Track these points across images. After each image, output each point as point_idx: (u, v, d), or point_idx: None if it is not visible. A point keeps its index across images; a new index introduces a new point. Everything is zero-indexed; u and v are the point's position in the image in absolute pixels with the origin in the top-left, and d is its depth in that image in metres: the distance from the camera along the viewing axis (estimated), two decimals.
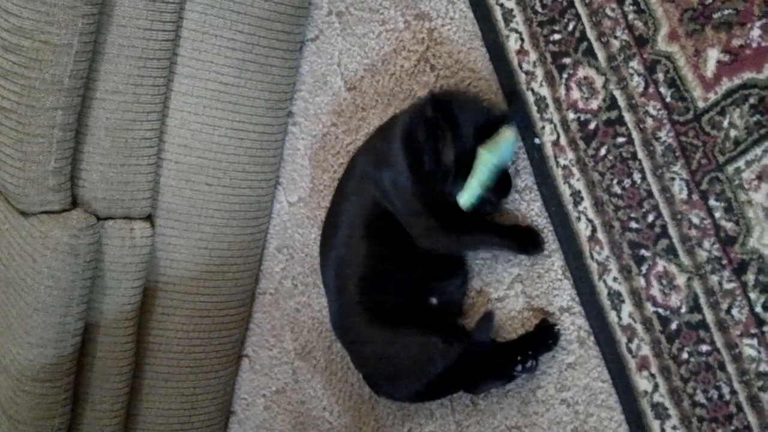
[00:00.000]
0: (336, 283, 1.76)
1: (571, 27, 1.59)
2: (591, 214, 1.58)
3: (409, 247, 1.65)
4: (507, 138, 1.59)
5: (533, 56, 1.65)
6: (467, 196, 1.57)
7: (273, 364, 2.16)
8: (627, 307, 1.54)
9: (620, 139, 1.53)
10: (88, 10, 1.66)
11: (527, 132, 1.66)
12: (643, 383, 1.53)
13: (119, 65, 1.76)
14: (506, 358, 1.63)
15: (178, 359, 2.06)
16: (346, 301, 1.73)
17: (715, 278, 1.44)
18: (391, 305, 1.67)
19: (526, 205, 1.66)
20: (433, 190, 1.60)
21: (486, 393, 1.72)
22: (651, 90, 1.49)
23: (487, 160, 1.56)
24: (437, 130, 1.57)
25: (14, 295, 1.84)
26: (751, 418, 1.42)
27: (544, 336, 1.62)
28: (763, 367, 1.40)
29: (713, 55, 1.42)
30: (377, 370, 1.76)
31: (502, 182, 1.61)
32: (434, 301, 1.68)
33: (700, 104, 1.44)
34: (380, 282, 1.68)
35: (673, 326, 1.49)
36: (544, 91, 1.63)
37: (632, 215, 1.53)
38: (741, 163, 1.40)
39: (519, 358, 1.61)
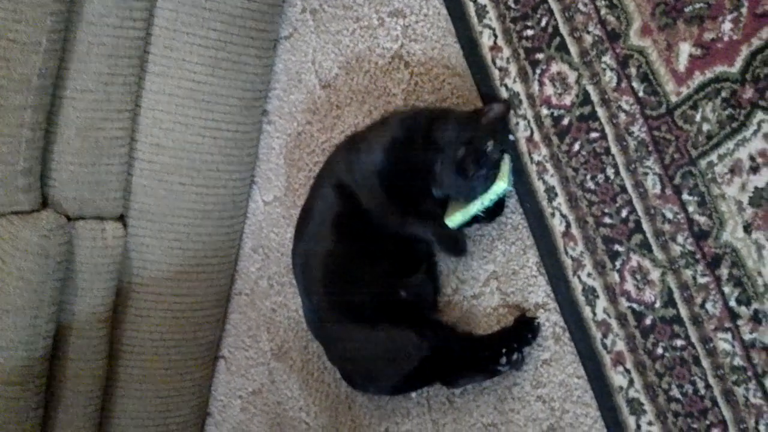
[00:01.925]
0: (303, 277, 1.75)
1: (544, 23, 1.58)
2: (565, 210, 1.58)
3: (371, 242, 1.64)
4: (508, 165, 1.59)
5: (506, 52, 1.64)
6: (461, 218, 1.58)
7: (249, 365, 2.15)
8: (601, 303, 1.54)
9: (593, 135, 1.53)
10: (57, 8, 1.64)
11: (501, 129, 1.65)
12: (618, 379, 1.53)
13: (89, 63, 1.74)
14: (489, 353, 1.62)
15: (152, 361, 2.04)
16: (314, 296, 1.73)
17: (689, 273, 1.44)
18: (360, 300, 1.66)
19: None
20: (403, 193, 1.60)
21: (463, 390, 1.72)
22: (624, 85, 1.49)
23: (500, 189, 1.56)
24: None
25: None
26: (726, 413, 1.42)
27: (523, 330, 1.61)
28: (737, 361, 1.40)
29: (685, 49, 1.42)
30: (352, 365, 1.74)
31: (496, 205, 1.61)
32: (403, 294, 1.67)
33: (673, 98, 1.44)
34: (344, 276, 1.67)
35: (648, 321, 1.49)
36: (518, 87, 1.63)
37: (606, 210, 1.53)
38: (713, 156, 1.40)
39: (504, 350, 1.60)
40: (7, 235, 1.74)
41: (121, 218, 1.90)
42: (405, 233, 1.64)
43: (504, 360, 1.60)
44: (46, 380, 1.88)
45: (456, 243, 1.63)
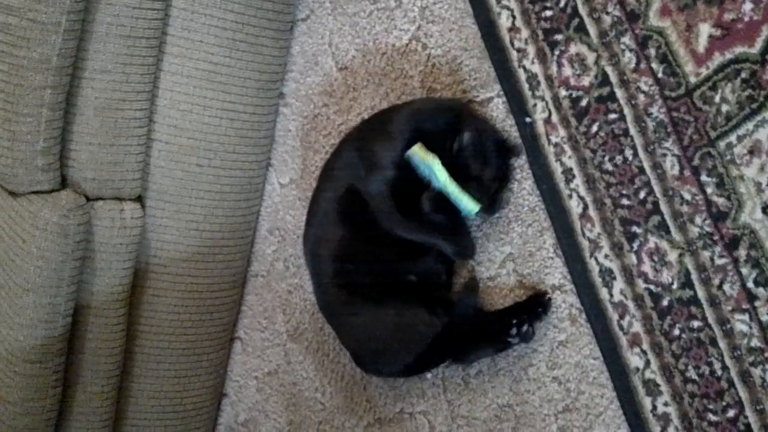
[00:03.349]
0: (313, 262, 1.76)
1: (562, 3, 1.58)
2: (583, 192, 1.58)
3: (379, 227, 1.64)
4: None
5: (525, 33, 1.64)
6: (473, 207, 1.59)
7: (265, 346, 2.16)
8: (618, 284, 1.54)
9: (612, 116, 1.53)
10: None
11: (519, 110, 1.65)
12: (634, 360, 1.53)
13: (108, 44, 1.75)
14: (499, 325, 1.63)
15: (169, 341, 2.05)
16: (323, 280, 1.74)
17: (706, 254, 1.44)
18: (369, 283, 1.67)
19: (518, 183, 1.66)
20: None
21: (478, 371, 1.72)
22: (643, 66, 1.49)
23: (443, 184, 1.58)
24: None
25: (3, 276, 1.83)
26: (743, 393, 1.42)
27: (535, 304, 1.61)
28: (754, 342, 1.40)
29: (705, 30, 1.41)
30: (364, 347, 1.75)
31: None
32: (413, 278, 1.68)
33: (692, 79, 1.43)
34: (353, 261, 1.68)
35: (665, 302, 1.49)
36: (536, 69, 1.62)
37: (624, 192, 1.52)
38: (733, 138, 1.39)
39: (514, 321, 1.60)
40: (27, 214, 1.76)
41: (139, 199, 1.91)
42: (413, 239, 1.65)
43: (514, 331, 1.61)
44: (65, 359, 1.90)
45: (465, 248, 1.66)
